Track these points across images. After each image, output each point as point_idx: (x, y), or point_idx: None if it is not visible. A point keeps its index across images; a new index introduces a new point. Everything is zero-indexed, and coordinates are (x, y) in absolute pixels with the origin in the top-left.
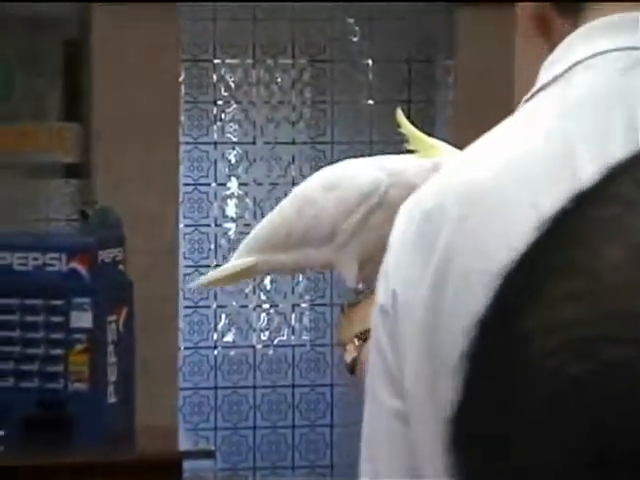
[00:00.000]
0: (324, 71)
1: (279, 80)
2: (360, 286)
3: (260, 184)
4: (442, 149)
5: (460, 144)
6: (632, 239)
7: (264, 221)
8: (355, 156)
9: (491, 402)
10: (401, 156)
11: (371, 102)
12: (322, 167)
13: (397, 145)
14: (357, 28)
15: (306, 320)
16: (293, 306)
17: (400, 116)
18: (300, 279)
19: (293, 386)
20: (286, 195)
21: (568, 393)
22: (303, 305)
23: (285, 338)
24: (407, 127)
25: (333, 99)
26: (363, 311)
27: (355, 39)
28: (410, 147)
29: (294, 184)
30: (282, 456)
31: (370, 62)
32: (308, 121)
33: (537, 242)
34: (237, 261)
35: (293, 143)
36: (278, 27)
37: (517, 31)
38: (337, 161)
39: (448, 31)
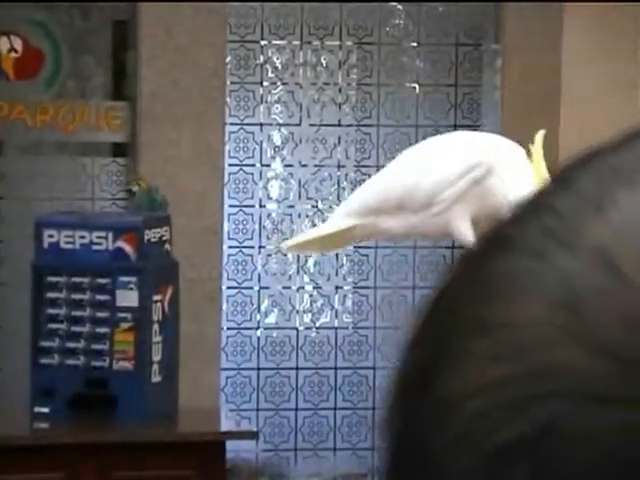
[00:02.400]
0: (371, 54)
1: (325, 62)
2: None
3: (305, 165)
4: None
5: (507, 129)
6: (548, 293)
7: (365, 185)
8: (400, 139)
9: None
10: (516, 147)
11: (415, 85)
12: (367, 150)
13: (443, 129)
14: (404, 11)
15: (349, 302)
16: (336, 288)
17: (539, 137)
18: (344, 261)
19: (335, 368)
20: (331, 177)
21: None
22: (346, 288)
23: (328, 320)
24: (538, 161)
25: (380, 81)
26: None
27: (402, 22)
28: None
29: (339, 166)
30: (323, 438)
31: (415, 45)
32: (354, 103)
33: (447, 293)
34: (336, 223)
35: (339, 125)
36: (326, 9)
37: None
38: (383, 144)
39: (495, 15)
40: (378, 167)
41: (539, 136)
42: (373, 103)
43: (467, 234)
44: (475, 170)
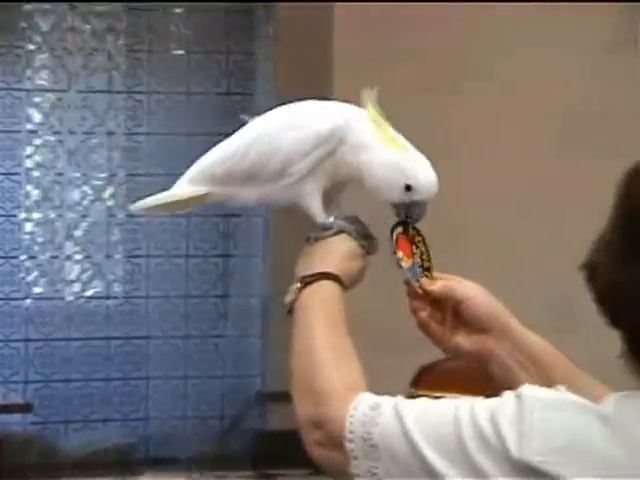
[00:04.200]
0: (140, 19)
1: (93, 27)
2: (330, 221)
3: (73, 133)
4: (401, 144)
5: (280, 97)
6: None
7: (216, 150)
8: (172, 107)
9: None
10: (356, 108)
11: (184, 52)
12: (138, 117)
13: (215, 96)
14: None
15: (120, 272)
16: (107, 257)
17: (370, 97)
18: (115, 230)
19: (107, 339)
20: (101, 145)
21: None
22: (117, 257)
23: (99, 290)
24: (375, 115)
25: (151, 48)
26: (321, 252)
27: None
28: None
29: (109, 134)
30: (95, 409)
31: (181, 11)
32: (124, 70)
33: None
34: (186, 189)
35: (108, 92)
36: None
37: None
38: (154, 112)
39: None
40: (149, 134)
41: (370, 95)
42: (144, 70)
43: (317, 211)
44: (328, 141)
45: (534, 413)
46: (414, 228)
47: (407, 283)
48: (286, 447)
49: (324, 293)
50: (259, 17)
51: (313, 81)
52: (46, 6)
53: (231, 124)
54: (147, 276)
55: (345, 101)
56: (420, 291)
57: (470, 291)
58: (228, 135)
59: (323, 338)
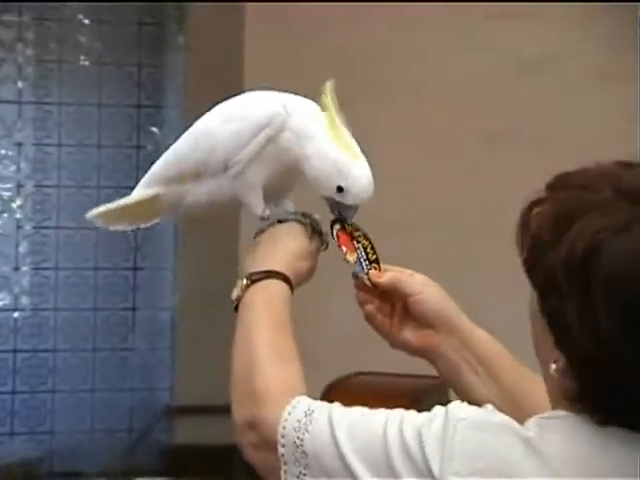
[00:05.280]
0: (50, 30)
1: (2, 37)
2: (266, 213)
3: None
4: (346, 143)
5: (190, 110)
6: None
7: (165, 154)
8: (82, 118)
9: None
10: (307, 101)
11: (87, 63)
12: (47, 128)
13: (125, 108)
14: None
15: (27, 284)
16: (15, 269)
17: (327, 90)
18: (23, 242)
19: (14, 351)
20: (8, 156)
21: None
22: (24, 269)
23: (7, 302)
24: (329, 106)
25: (61, 58)
26: (270, 248)
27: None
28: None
29: (18, 145)
30: (1, 422)
31: (89, 22)
32: (33, 80)
33: None
34: (138, 193)
35: (18, 103)
36: None
37: None
38: (64, 123)
39: None
40: (59, 146)
41: (327, 88)
42: (53, 81)
43: (256, 202)
44: (268, 126)
45: (457, 433)
46: (350, 224)
47: (355, 276)
48: (194, 461)
49: (270, 292)
50: (170, 29)
51: (224, 93)
52: None
53: (141, 136)
54: (55, 288)
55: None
56: (368, 283)
57: (419, 286)
58: (139, 147)
59: (264, 337)
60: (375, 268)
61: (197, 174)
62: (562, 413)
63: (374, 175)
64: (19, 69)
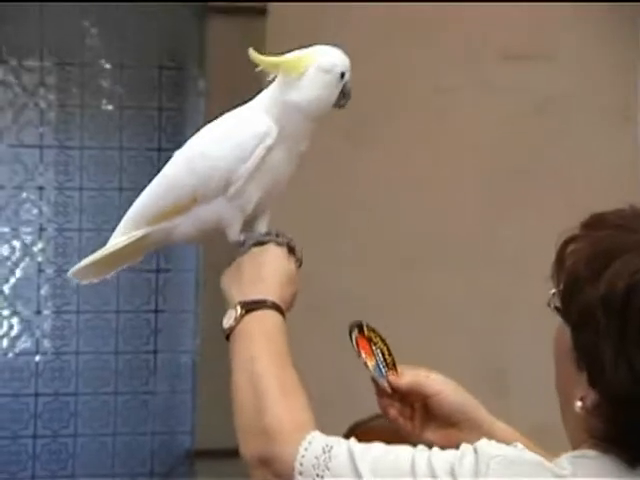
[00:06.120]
0: (71, 74)
1: (24, 82)
2: (242, 237)
3: (2, 187)
4: (297, 61)
5: None
6: None
7: (146, 193)
8: (105, 161)
9: None
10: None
11: (114, 107)
12: (70, 172)
13: (147, 151)
14: (96, 32)
15: (49, 327)
16: (37, 313)
17: (254, 55)
18: (44, 285)
19: (36, 395)
20: (31, 200)
21: None
22: (46, 312)
23: (28, 346)
24: (262, 59)
25: (82, 103)
26: (258, 273)
27: (96, 43)
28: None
29: (39, 188)
30: (22, 466)
31: (111, 67)
32: (55, 125)
33: None
34: (122, 237)
35: (39, 147)
36: (25, 27)
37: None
38: (86, 166)
39: (198, 38)
40: (81, 189)
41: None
42: (75, 125)
43: (237, 229)
44: (269, 135)
45: (490, 470)
46: (369, 328)
47: (374, 381)
48: None
49: (267, 323)
50: (190, 73)
51: None
52: None
53: None
54: (77, 331)
55: None
56: (388, 389)
57: (438, 385)
58: None
59: (269, 371)
60: (392, 369)
61: (194, 200)
62: (592, 453)
63: (396, 212)
64: (41, 114)
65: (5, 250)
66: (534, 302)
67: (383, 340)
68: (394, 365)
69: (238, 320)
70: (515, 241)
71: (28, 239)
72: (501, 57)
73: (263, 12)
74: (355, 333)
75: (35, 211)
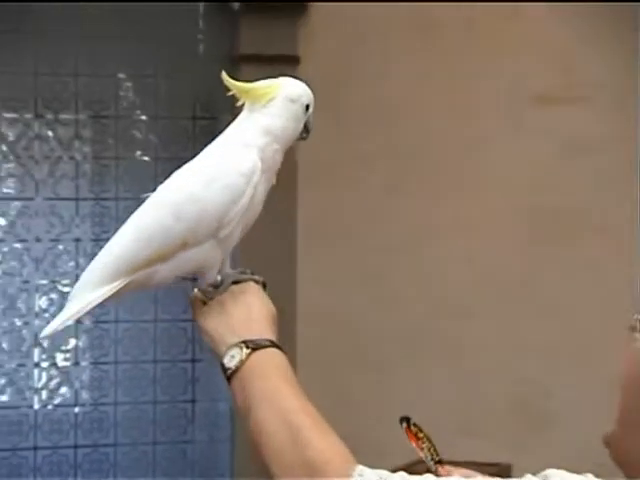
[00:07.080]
0: (106, 127)
1: (59, 135)
2: (218, 279)
3: (39, 240)
4: (264, 89)
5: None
6: None
7: (122, 243)
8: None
9: None
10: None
11: (149, 158)
12: (105, 224)
13: None
14: (130, 84)
15: (87, 378)
16: (75, 364)
17: (226, 78)
18: (82, 336)
19: (75, 447)
20: (68, 252)
21: None
22: (84, 363)
23: (67, 397)
24: (234, 83)
25: (117, 155)
26: (239, 315)
27: (130, 95)
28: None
29: (76, 240)
30: None
31: (146, 118)
32: (91, 177)
33: None
34: (100, 291)
35: (75, 199)
36: (60, 82)
37: None
38: (122, 217)
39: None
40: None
41: (227, 79)
42: (111, 176)
43: (216, 271)
44: (255, 173)
45: None
46: (415, 425)
47: (429, 471)
48: None
49: (277, 361)
50: (223, 122)
51: (277, 187)
52: (12, 115)
53: None
54: (115, 382)
55: (310, 205)
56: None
57: None
58: None
59: (297, 406)
60: (440, 466)
61: (183, 245)
62: None
63: (437, 258)
64: (76, 166)
65: (43, 303)
66: (580, 350)
67: (429, 439)
68: (440, 464)
69: (244, 360)
70: (557, 282)
71: (65, 290)
72: (535, 100)
73: (295, 60)
74: (404, 425)
75: (72, 263)
